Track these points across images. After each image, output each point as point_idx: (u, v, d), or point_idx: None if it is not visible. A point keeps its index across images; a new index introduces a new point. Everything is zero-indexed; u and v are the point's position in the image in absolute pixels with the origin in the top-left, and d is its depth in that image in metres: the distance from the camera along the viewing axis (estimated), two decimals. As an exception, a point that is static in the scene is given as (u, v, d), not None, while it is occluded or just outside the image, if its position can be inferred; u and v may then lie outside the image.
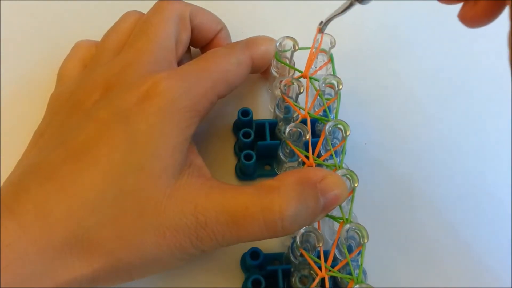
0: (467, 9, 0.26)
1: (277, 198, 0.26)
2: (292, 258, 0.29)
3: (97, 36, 0.34)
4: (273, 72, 0.35)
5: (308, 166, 0.31)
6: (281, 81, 0.33)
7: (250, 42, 0.34)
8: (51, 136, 0.29)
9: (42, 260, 0.24)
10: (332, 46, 0.34)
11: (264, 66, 0.35)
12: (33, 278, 0.24)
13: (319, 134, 0.34)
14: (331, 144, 0.31)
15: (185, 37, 0.33)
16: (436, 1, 0.43)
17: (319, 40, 0.34)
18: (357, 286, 0.27)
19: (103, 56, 0.32)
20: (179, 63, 0.33)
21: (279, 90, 0.33)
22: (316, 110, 0.35)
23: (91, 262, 0.25)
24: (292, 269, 0.30)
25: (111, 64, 0.30)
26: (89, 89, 0.29)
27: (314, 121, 0.34)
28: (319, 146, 0.31)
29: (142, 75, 0.28)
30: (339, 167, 0.30)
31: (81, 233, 0.25)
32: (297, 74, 0.34)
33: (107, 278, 0.26)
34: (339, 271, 0.29)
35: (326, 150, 0.32)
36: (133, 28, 0.32)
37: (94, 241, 0.25)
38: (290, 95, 0.33)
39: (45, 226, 0.24)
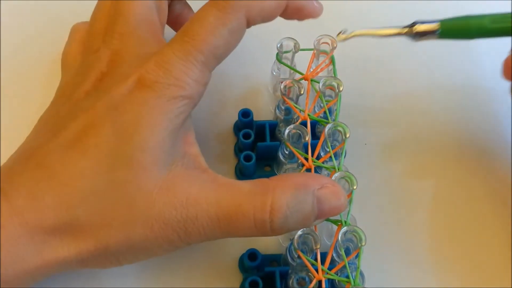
0: None
1: (270, 199, 0.26)
2: (290, 260, 0.29)
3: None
4: (273, 72, 0.35)
5: (307, 168, 0.31)
6: (281, 82, 0.33)
7: None
8: (47, 123, 0.29)
9: (33, 242, 0.25)
10: (333, 48, 0.34)
11: (265, 20, 0.30)
12: (25, 258, 0.25)
13: (319, 136, 0.34)
14: (331, 146, 0.31)
15: (164, 6, 0.32)
16: (436, 1, 0.43)
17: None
18: (353, 289, 0.27)
19: (93, 43, 0.31)
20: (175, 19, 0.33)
21: (280, 91, 0.33)
22: (317, 111, 0.35)
23: (79, 247, 0.26)
24: (290, 271, 0.30)
25: (100, 53, 0.30)
26: (82, 79, 0.29)
27: (314, 123, 0.34)
28: (318, 148, 0.31)
29: (130, 64, 0.28)
30: (338, 169, 0.30)
31: (70, 221, 0.26)
32: (298, 75, 0.34)
33: (96, 261, 0.27)
34: (337, 274, 0.29)
35: (326, 152, 0.32)
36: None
37: (82, 228, 0.26)
38: (290, 96, 0.33)
39: (36, 210, 0.25)
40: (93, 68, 0.29)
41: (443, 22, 0.30)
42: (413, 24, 0.30)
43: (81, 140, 0.26)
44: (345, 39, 0.31)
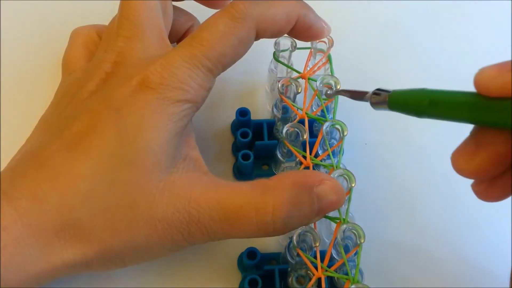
0: (483, 187, 0.25)
1: (271, 199, 0.26)
2: (289, 258, 0.29)
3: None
4: (270, 71, 0.35)
5: (306, 166, 0.31)
6: (279, 81, 0.33)
7: (257, 9, 0.28)
8: (51, 124, 0.29)
9: (37, 244, 0.25)
10: (330, 46, 0.34)
11: (274, 35, 0.30)
12: (29, 261, 0.25)
13: (317, 135, 0.34)
14: (329, 144, 0.31)
15: (169, 9, 0.32)
16: (436, 1, 0.43)
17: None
18: (353, 286, 0.27)
19: (103, 43, 0.31)
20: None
21: (277, 90, 0.33)
22: (314, 110, 0.35)
23: (83, 249, 0.26)
24: (289, 269, 0.30)
25: (105, 55, 0.30)
26: (86, 80, 0.29)
27: (312, 121, 0.34)
28: (316, 146, 0.31)
29: (135, 66, 0.28)
30: (336, 167, 0.30)
31: (73, 222, 0.25)
32: (295, 73, 0.34)
33: (101, 264, 0.27)
34: (336, 271, 0.29)
35: (324, 150, 0.32)
36: None
37: (86, 230, 0.26)
38: (288, 95, 0.33)
39: (39, 212, 0.25)
40: (97, 69, 0.29)
41: (390, 97, 0.26)
42: (376, 92, 0.27)
43: (84, 141, 0.26)
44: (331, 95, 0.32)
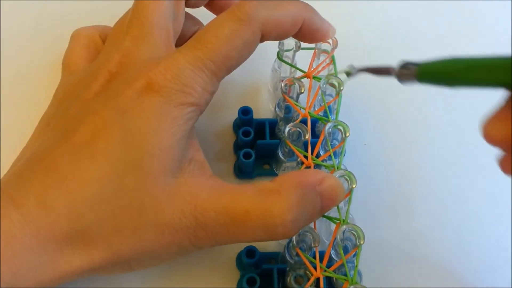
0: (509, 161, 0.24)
1: (278, 203, 0.26)
2: (288, 258, 0.29)
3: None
4: (274, 71, 0.35)
5: (307, 166, 0.31)
6: (282, 80, 0.33)
7: (263, 11, 0.28)
8: (54, 126, 0.29)
9: (45, 251, 0.25)
10: (334, 47, 0.34)
11: (279, 37, 0.30)
12: (38, 268, 0.24)
13: (319, 135, 0.34)
14: (331, 144, 0.31)
15: (181, 14, 0.32)
16: (436, 1, 0.43)
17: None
18: (352, 287, 0.27)
19: (110, 42, 0.31)
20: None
21: (280, 89, 0.33)
22: (317, 110, 0.35)
23: (91, 255, 0.26)
24: (288, 269, 0.30)
25: (111, 54, 0.29)
26: (90, 80, 0.29)
27: (314, 121, 0.34)
28: (318, 147, 0.31)
29: (140, 67, 0.28)
30: (337, 168, 0.30)
31: (81, 228, 0.25)
32: (298, 74, 0.34)
33: (108, 269, 0.27)
34: (335, 272, 0.29)
35: (326, 151, 0.32)
36: None
37: (93, 236, 0.25)
38: (291, 94, 0.33)
39: (47, 219, 0.25)
40: (102, 68, 0.29)
41: (419, 69, 0.25)
42: (404, 65, 0.26)
43: (89, 145, 0.26)
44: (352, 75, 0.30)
